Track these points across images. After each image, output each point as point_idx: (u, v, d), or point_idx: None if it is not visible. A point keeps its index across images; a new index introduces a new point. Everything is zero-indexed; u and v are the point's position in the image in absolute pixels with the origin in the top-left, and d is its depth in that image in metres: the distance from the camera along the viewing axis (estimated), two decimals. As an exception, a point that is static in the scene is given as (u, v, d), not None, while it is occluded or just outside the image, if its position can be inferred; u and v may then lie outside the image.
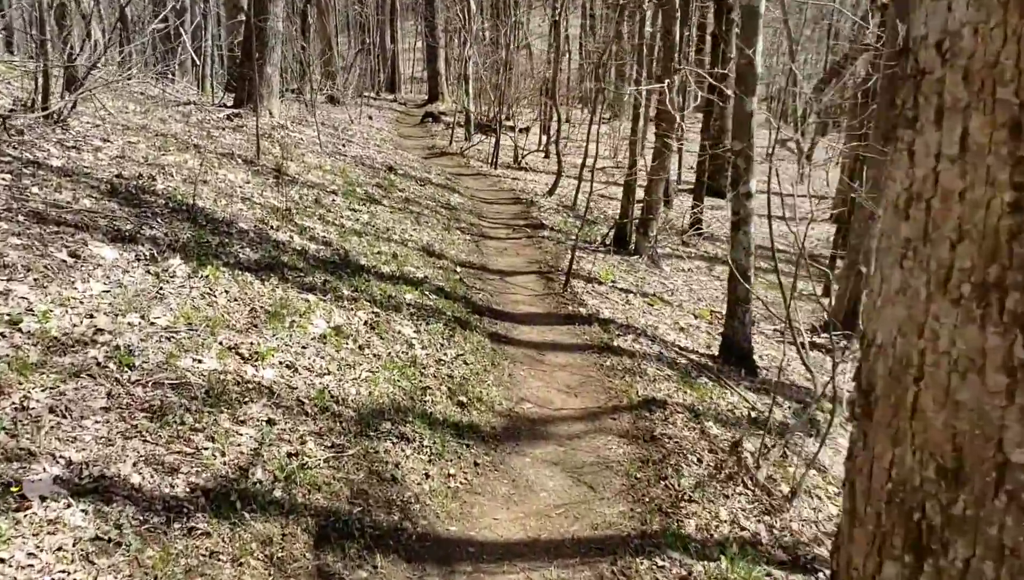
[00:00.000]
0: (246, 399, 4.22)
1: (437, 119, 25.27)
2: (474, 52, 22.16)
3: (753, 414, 6.30)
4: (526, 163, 19.79)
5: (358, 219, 9.79)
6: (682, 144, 11.84)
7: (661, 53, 11.35)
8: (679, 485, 4.62)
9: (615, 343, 7.18)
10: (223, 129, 12.16)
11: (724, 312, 9.34)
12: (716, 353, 7.87)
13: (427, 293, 7.40)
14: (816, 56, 30.54)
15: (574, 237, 12.42)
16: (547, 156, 21.25)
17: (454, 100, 28.69)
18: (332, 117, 20.92)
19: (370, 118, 22.98)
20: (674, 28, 11.36)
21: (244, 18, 15.44)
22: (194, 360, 4.34)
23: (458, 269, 9.09)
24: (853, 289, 10.26)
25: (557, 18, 22.70)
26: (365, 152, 15.92)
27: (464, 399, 5.24)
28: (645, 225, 11.95)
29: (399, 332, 6.00)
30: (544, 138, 22.40)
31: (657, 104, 11.46)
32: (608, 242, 12.26)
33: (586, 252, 11.50)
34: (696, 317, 9.53)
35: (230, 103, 14.97)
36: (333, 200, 10.37)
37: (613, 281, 10.16)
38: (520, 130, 23.22)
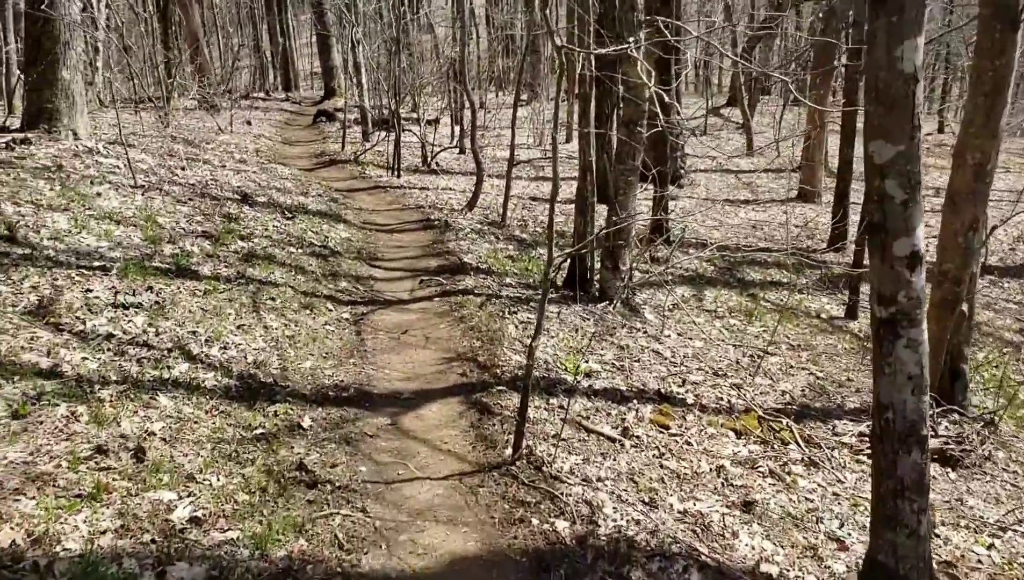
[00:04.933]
0: None
1: (332, 118, 20.17)
2: (362, 36, 17.11)
3: None
4: (437, 164, 15.02)
5: (113, 330, 4.96)
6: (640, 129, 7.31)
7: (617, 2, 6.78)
8: None
9: None
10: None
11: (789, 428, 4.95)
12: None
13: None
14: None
15: (512, 284, 7.81)
16: (462, 152, 16.47)
17: (351, 95, 23.56)
18: (197, 127, 15.73)
19: (248, 124, 17.81)
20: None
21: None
22: None
23: (307, 421, 4.41)
24: (956, 341, 5.93)
25: (458, -13, 17.83)
26: (216, 175, 10.93)
27: None
28: (614, 256, 7.43)
29: None
30: (457, 129, 17.58)
31: (614, 75, 6.92)
32: (561, 284, 7.74)
33: (532, 306, 6.95)
34: (739, 434, 5.11)
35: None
36: (88, 292, 5.51)
37: (587, 374, 5.64)
38: (428, 123, 18.30)
